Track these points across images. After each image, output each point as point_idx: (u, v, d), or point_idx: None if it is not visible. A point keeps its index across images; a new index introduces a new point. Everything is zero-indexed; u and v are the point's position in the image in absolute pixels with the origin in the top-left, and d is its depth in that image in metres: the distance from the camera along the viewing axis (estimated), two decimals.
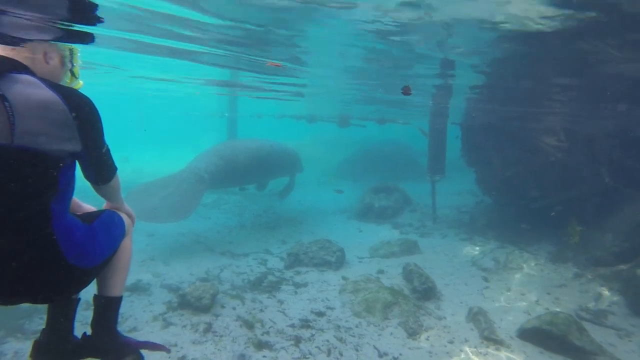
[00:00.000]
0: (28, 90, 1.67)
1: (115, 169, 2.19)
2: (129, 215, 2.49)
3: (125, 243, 2.35)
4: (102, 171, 2.09)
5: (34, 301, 1.89)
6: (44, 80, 1.80)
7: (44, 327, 2.28)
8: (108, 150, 2.10)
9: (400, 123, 12.11)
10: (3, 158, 1.60)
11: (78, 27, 4.01)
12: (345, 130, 14.17)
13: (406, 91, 5.11)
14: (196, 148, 12.13)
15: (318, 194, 13.19)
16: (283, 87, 10.75)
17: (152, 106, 26.89)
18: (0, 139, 1.59)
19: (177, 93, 15.98)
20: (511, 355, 4.21)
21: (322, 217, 10.32)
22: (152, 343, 2.78)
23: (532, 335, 4.39)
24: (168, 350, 2.83)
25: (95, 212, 2.33)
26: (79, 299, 2.34)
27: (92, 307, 2.31)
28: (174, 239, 8.00)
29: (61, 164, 1.76)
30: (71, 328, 2.29)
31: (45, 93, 1.71)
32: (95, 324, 2.29)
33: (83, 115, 1.83)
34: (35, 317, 4.69)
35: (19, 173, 1.63)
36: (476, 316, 4.86)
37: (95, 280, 2.28)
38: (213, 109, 17.76)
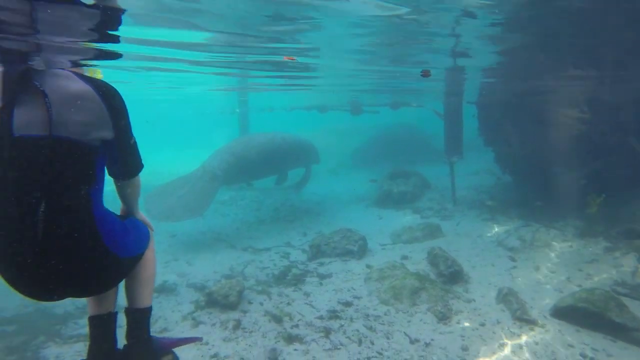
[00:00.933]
0: (64, 83, 1.83)
1: (142, 164, 2.26)
2: (147, 224, 2.55)
3: (150, 255, 2.40)
4: (129, 164, 2.17)
5: (71, 290, 1.95)
6: (76, 73, 1.94)
7: (88, 346, 2.31)
8: (136, 143, 2.19)
9: (414, 106, 11.90)
10: (43, 148, 1.73)
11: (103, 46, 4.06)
12: (357, 118, 14.06)
13: (425, 74, 4.99)
14: (210, 146, 12.15)
15: (333, 185, 13.11)
16: (295, 80, 10.64)
17: (164, 107, 27.10)
18: (39, 131, 1.73)
19: (188, 93, 16.07)
20: (546, 336, 4.10)
21: (340, 207, 10.26)
22: (185, 338, 2.85)
23: (568, 313, 4.27)
24: (201, 339, 2.94)
25: (122, 215, 2.42)
26: (116, 312, 2.38)
27: (125, 321, 2.36)
28: (195, 238, 8.06)
29: (96, 154, 1.89)
30: (113, 345, 2.33)
31: (79, 85, 1.86)
32: (129, 336, 2.35)
33: (114, 104, 1.96)
34: (69, 322, 4.79)
35: (58, 162, 1.76)
36: (507, 297, 4.76)
37: (125, 295, 2.37)
38: (224, 106, 17.79)
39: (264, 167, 9.68)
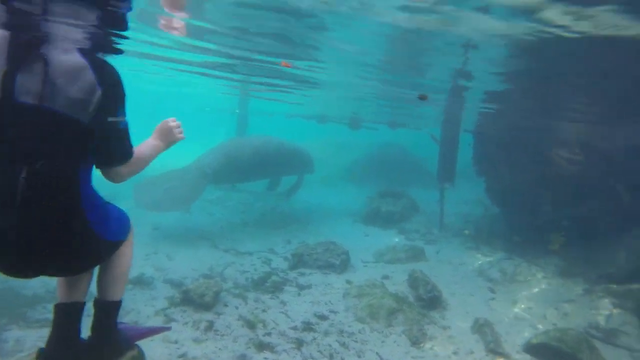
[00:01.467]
0: (63, 56, 1.81)
1: (131, 152, 2.09)
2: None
3: (127, 249, 2.34)
4: (114, 149, 2.01)
5: (46, 266, 1.90)
6: (80, 48, 1.92)
7: (49, 334, 2.23)
8: (126, 130, 2.05)
9: (411, 128, 12.00)
10: (33, 117, 1.72)
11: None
12: (353, 133, 14.14)
13: (422, 97, 5.07)
14: (205, 144, 12.12)
15: (324, 196, 13.10)
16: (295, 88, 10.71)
17: (163, 101, 27.03)
18: (34, 100, 1.72)
19: (189, 90, 16.06)
20: None
21: (328, 219, 10.25)
22: (152, 328, 2.79)
23: (540, 351, 4.28)
24: (169, 329, 2.90)
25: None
26: (84, 303, 2.32)
27: (92, 312, 2.32)
28: (178, 233, 7.98)
29: (88, 131, 1.83)
30: (77, 335, 2.27)
31: (76, 59, 1.83)
32: (95, 328, 2.30)
33: (108, 82, 1.89)
34: (37, 305, 4.67)
35: (47, 134, 1.74)
36: (482, 327, 4.76)
37: (96, 285, 2.32)
38: (224, 105, 17.79)
39: (256, 170, 9.64)
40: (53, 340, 2.18)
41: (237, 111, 15.12)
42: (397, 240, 8.77)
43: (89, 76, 1.83)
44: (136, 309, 4.76)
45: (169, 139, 2.40)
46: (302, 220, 9.89)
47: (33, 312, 4.52)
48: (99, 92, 1.83)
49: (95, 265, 2.19)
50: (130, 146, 2.11)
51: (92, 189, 1.99)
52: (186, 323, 4.51)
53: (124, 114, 2.01)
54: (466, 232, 8.13)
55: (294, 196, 12.07)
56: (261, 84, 10.86)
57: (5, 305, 4.59)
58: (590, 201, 7.38)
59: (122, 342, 2.39)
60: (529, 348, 4.38)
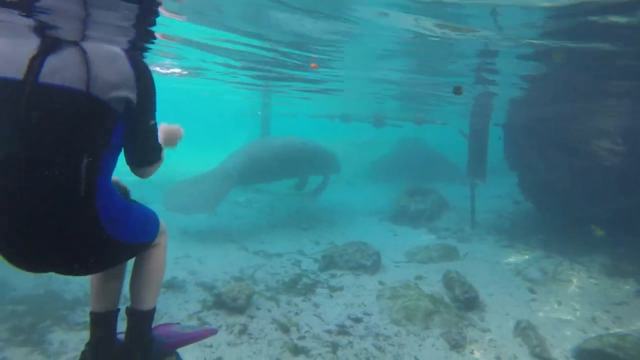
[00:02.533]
0: (98, 45, 1.76)
1: (160, 152, 2.08)
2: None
3: (158, 254, 2.21)
4: (147, 148, 1.99)
5: (50, 260, 1.75)
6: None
7: (88, 338, 2.21)
8: (156, 128, 2.01)
9: (438, 124, 11.73)
10: (77, 104, 1.63)
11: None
12: (378, 130, 13.94)
13: (457, 91, 4.89)
14: (229, 148, 12.19)
15: (350, 195, 12.98)
16: (318, 86, 10.62)
17: (184, 106, 27.47)
18: (73, 84, 1.64)
19: (210, 93, 16.20)
20: None
21: (354, 219, 10.12)
22: (198, 332, 2.64)
23: (593, 357, 4.02)
24: (215, 331, 2.76)
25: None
26: (116, 310, 2.28)
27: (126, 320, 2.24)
28: (207, 237, 8.02)
29: (116, 119, 1.74)
30: (112, 341, 2.22)
31: (113, 48, 1.79)
32: (128, 337, 2.21)
33: (144, 76, 1.83)
34: (77, 308, 4.75)
35: (76, 118, 1.64)
36: (525, 331, 4.54)
37: (129, 292, 2.22)
38: (246, 109, 17.88)
39: (279, 170, 9.73)
40: (92, 344, 2.18)
41: (259, 113, 15.16)
42: (427, 239, 8.55)
43: (126, 66, 1.76)
44: (169, 313, 4.76)
45: (169, 143, 2.35)
46: (328, 220, 9.80)
47: (74, 315, 4.60)
48: (134, 86, 1.76)
49: (108, 267, 2.02)
50: (160, 148, 2.10)
51: (111, 184, 1.85)
52: (220, 326, 4.47)
53: (155, 111, 1.97)
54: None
55: (320, 196, 12.00)
56: (285, 85, 10.82)
57: (47, 309, 4.69)
58: (637, 194, 6.99)
59: (157, 352, 2.28)
60: (580, 354, 4.12)
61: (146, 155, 2.02)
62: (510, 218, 9.91)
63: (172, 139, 2.42)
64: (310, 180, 11.36)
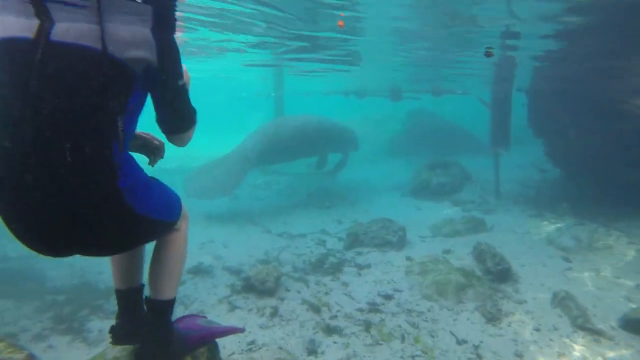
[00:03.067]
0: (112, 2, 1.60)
1: (195, 114, 1.95)
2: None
3: (179, 238, 2.09)
4: (181, 112, 1.87)
5: (72, 238, 1.61)
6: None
7: (117, 315, 2.20)
8: (186, 89, 1.87)
9: (458, 94, 11.35)
10: (92, 63, 1.48)
11: None
12: (395, 105, 13.61)
13: (489, 54, 4.68)
14: (244, 130, 12.10)
15: (369, 172, 12.81)
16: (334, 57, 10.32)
17: (195, 89, 27.36)
18: (94, 43, 1.49)
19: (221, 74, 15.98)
20: (618, 351, 3.71)
21: (376, 196, 9.98)
22: (225, 329, 2.59)
23: None
24: (242, 330, 2.71)
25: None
26: (141, 286, 2.23)
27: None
28: (230, 221, 8.02)
29: (134, 81, 1.60)
30: (139, 316, 2.19)
31: (132, 2, 1.66)
32: (149, 328, 2.12)
33: (164, 37, 1.69)
34: (111, 297, 4.79)
35: (100, 80, 1.50)
36: (564, 301, 4.39)
37: (148, 281, 2.11)
38: (260, 89, 17.69)
39: (297, 149, 9.69)
40: (120, 321, 2.18)
41: (273, 94, 14.96)
42: (452, 212, 8.38)
43: (144, 25, 1.62)
44: (199, 299, 4.77)
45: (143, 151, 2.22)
46: (349, 198, 9.69)
47: (108, 304, 4.66)
48: (153, 46, 1.63)
49: (133, 245, 1.90)
50: (195, 110, 1.99)
51: (130, 155, 1.74)
52: (250, 310, 4.46)
53: (181, 71, 1.84)
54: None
55: (339, 175, 11.88)
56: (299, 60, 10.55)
57: (84, 298, 4.79)
58: None
59: (177, 344, 2.18)
60: (628, 323, 3.93)
61: (182, 120, 1.90)
62: (536, 187, 9.63)
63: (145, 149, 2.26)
64: (329, 158, 11.30)
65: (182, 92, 1.85)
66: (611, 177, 7.10)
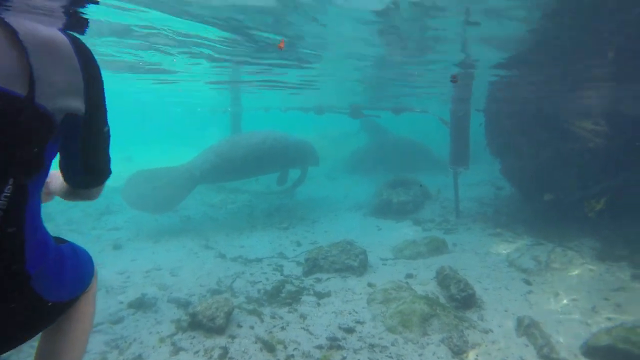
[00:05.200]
0: (31, 24, 1.17)
1: (109, 168, 1.55)
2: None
3: (87, 306, 1.66)
4: (100, 163, 1.46)
5: None
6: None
7: None
8: (109, 136, 1.47)
9: (417, 112, 11.42)
10: (12, 113, 1.07)
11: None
12: (355, 122, 13.57)
13: (454, 79, 4.63)
14: (200, 145, 11.55)
15: (330, 190, 12.58)
16: (290, 79, 10.11)
17: (153, 103, 26.32)
18: (15, 87, 1.09)
19: (178, 90, 15.40)
20: None
21: (337, 215, 9.71)
22: None
23: (605, 355, 3.75)
24: None
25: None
26: None
27: None
28: (181, 245, 7.42)
29: (55, 132, 1.21)
30: None
31: (51, 31, 1.21)
32: None
33: (90, 66, 1.30)
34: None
35: (16, 132, 1.10)
36: (529, 329, 4.24)
37: (37, 356, 1.61)
38: (216, 105, 17.15)
39: (251, 167, 9.50)
40: None
41: (229, 109, 14.50)
42: (413, 232, 8.24)
43: (71, 54, 1.23)
44: (139, 339, 4.22)
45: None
46: (309, 218, 9.36)
47: None
48: (81, 78, 1.25)
49: (36, 333, 1.45)
50: (109, 159, 1.57)
51: (41, 222, 1.36)
52: (197, 352, 3.97)
53: (106, 112, 1.45)
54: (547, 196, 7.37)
55: (299, 193, 11.57)
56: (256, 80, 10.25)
57: None
58: (622, 174, 6.85)
59: None
60: (590, 352, 3.84)
61: (99, 172, 1.49)
62: (493, 205, 9.75)
63: None
64: (291, 174, 11.06)
65: (106, 139, 1.47)
66: (562, 195, 7.23)
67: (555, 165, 7.44)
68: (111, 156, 1.54)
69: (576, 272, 5.70)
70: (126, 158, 19.26)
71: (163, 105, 25.49)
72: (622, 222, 6.75)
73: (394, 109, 11.09)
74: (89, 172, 1.47)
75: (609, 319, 4.52)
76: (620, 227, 6.57)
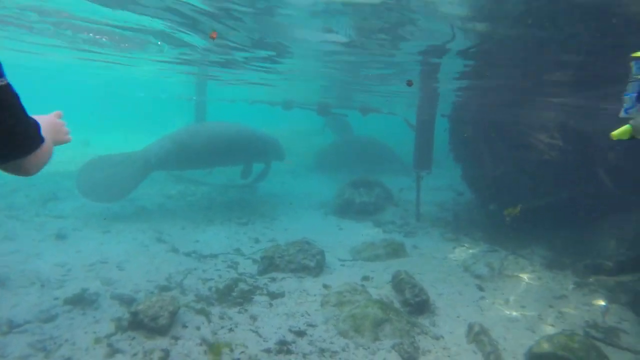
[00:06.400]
0: None
1: (37, 132, 1.30)
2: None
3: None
4: (13, 128, 1.18)
5: None
6: None
7: None
8: (11, 92, 1.16)
9: (384, 113, 11.44)
10: None
11: None
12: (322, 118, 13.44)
13: (409, 83, 4.64)
14: (160, 132, 11.07)
15: (293, 187, 12.41)
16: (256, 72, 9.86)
17: (116, 87, 25.15)
18: None
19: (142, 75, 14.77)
20: None
21: (298, 213, 9.56)
22: None
23: None
24: None
25: None
26: None
27: None
28: (132, 237, 7.05)
29: None
30: None
31: None
32: None
33: None
34: None
35: None
36: (478, 336, 4.27)
37: None
38: (181, 92, 16.56)
39: (210, 157, 9.35)
40: None
41: (194, 98, 14.02)
42: (373, 233, 8.23)
43: None
44: (71, 340, 3.90)
45: (55, 138, 1.62)
46: (269, 214, 9.16)
47: None
48: None
49: None
50: (33, 125, 1.31)
51: None
52: (135, 354, 3.72)
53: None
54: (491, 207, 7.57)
55: (261, 188, 11.33)
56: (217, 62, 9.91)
57: None
58: (572, 186, 7.10)
59: None
60: (533, 359, 3.91)
61: (9, 140, 1.20)
62: (453, 210, 9.90)
63: (54, 133, 1.64)
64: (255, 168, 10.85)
65: (12, 98, 1.17)
66: (517, 203, 7.41)
67: (512, 173, 7.62)
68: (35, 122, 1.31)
69: (525, 279, 5.84)
70: (83, 142, 18.28)
71: (126, 89, 24.42)
72: (575, 233, 6.98)
73: (362, 109, 11.06)
74: (10, 140, 1.19)
75: (552, 325, 4.64)
76: (570, 239, 6.80)
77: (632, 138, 2.58)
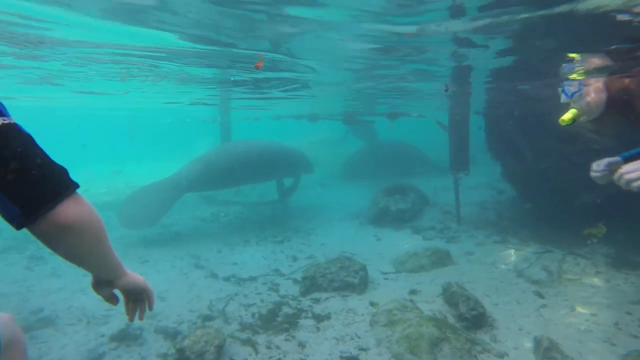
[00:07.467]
0: None
1: (67, 179, 1.19)
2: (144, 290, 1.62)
3: None
4: (29, 178, 1.08)
5: None
6: None
7: None
8: (17, 128, 1.09)
9: (414, 116, 11.11)
10: None
11: None
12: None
13: (447, 89, 4.48)
14: (188, 156, 11.17)
15: (324, 198, 12.21)
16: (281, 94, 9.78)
17: (142, 116, 25.84)
18: None
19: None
20: None
21: (333, 225, 9.34)
22: None
23: None
24: None
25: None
26: None
27: None
28: (170, 265, 7.01)
29: None
30: None
31: None
32: None
33: None
34: None
35: None
36: (549, 352, 3.89)
37: None
38: (205, 115, 16.77)
39: (239, 176, 9.42)
40: None
41: (219, 119, 14.14)
42: (413, 241, 7.89)
43: None
44: None
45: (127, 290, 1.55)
46: (304, 229, 8.98)
47: None
48: None
49: None
50: (62, 167, 1.19)
51: None
52: None
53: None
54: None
55: (292, 202, 11.20)
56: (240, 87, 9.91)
57: None
58: None
59: None
60: None
61: (26, 185, 1.08)
62: (495, 209, 9.44)
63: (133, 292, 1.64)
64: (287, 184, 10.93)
65: (21, 137, 1.07)
66: (568, 199, 6.92)
67: (558, 167, 7.13)
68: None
69: (591, 282, 5.37)
70: (116, 172, 18.88)
71: (152, 116, 25.03)
72: (638, 226, 6.43)
73: (390, 115, 10.78)
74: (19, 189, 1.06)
75: (635, 336, 4.17)
76: (634, 231, 6.25)
77: (573, 122, 2.77)
